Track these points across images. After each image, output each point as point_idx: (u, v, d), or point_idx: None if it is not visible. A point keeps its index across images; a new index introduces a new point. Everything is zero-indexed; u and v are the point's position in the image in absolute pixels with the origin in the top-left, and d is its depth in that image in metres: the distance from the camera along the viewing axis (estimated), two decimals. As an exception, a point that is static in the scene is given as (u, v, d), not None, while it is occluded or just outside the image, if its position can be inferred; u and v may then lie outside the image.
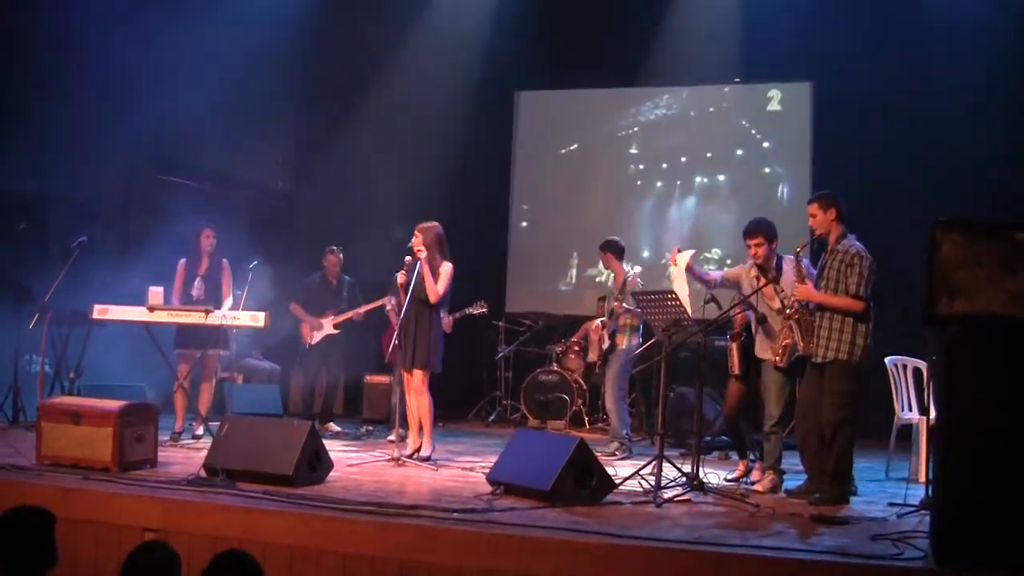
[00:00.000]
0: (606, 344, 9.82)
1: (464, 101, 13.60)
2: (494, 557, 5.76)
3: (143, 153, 12.55)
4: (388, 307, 10.83)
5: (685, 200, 13.36)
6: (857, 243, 7.32)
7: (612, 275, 10.12)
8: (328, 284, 11.23)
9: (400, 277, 8.85)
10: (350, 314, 10.98)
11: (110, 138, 11.86)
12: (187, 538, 6.23)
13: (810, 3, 12.05)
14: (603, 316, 10.21)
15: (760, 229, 7.91)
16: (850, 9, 12.07)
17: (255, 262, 10.04)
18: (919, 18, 11.72)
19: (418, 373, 8.81)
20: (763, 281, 7.80)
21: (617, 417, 9.72)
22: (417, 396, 8.85)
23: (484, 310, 11.16)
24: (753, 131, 13.07)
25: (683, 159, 13.40)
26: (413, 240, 8.83)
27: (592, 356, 10.22)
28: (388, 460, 8.57)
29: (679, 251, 8.23)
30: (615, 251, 10.01)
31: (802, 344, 7.43)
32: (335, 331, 11.00)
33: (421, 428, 8.90)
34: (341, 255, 11.25)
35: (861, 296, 7.16)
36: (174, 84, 11.80)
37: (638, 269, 10.35)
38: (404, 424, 8.95)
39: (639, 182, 13.60)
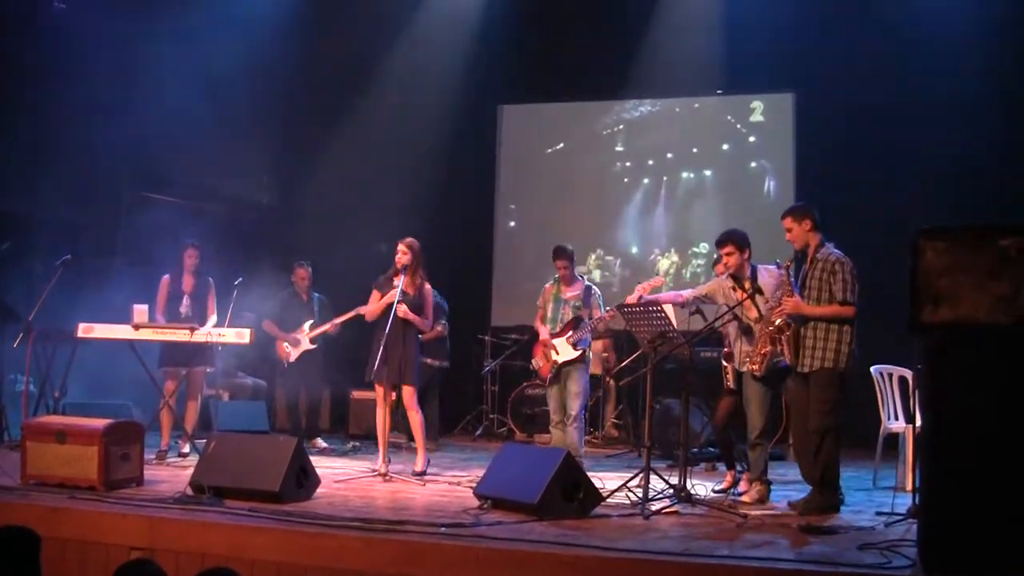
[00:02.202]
0: (560, 355, 9.34)
1: (447, 115, 13.65)
2: (482, 571, 5.74)
3: (126, 170, 12.55)
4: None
5: (672, 196, 13.42)
6: (836, 250, 7.36)
7: (560, 281, 9.58)
8: (299, 299, 11.20)
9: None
10: (325, 327, 10.94)
11: (93, 156, 11.87)
12: (174, 556, 6.20)
13: (791, 14, 12.12)
14: (549, 322, 9.53)
15: (730, 238, 7.96)
16: (831, 19, 12.14)
17: (240, 279, 10.01)
18: (901, 27, 11.82)
19: (408, 390, 8.86)
20: (741, 293, 7.82)
21: (580, 431, 9.51)
22: (410, 412, 8.91)
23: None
24: (738, 142, 13.12)
25: (669, 155, 13.51)
26: (400, 255, 8.87)
27: (544, 367, 9.64)
28: (375, 475, 8.56)
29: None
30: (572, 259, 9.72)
31: (791, 358, 7.43)
32: (312, 346, 10.98)
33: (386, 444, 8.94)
34: (310, 269, 11.22)
35: (849, 301, 7.19)
36: (156, 101, 11.79)
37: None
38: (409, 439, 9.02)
39: (626, 179, 13.67)
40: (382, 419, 8.88)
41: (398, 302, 8.72)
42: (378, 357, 8.67)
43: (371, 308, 8.95)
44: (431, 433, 10.76)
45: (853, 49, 12.01)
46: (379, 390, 8.85)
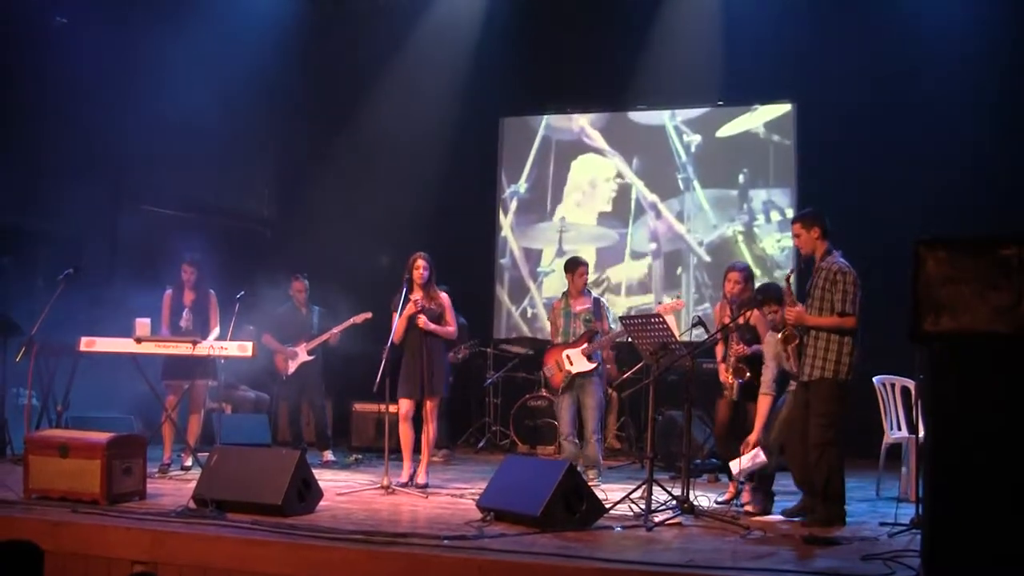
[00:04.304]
0: (575, 367, 9.44)
1: (449, 128, 13.67)
2: (485, 583, 5.74)
3: (127, 184, 12.56)
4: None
5: (672, 212, 13.43)
6: (841, 259, 7.34)
7: (568, 295, 9.68)
8: (298, 312, 11.19)
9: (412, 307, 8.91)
10: (323, 338, 10.94)
11: (94, 169, 11.87)
12: (176, 570, 6.21)
13: (791, 25, 12.15)
14: (561, 335, 9.65)
15: (768, 294, 7.98)
16: (831, 30, 12.14)
17: (242, 292, 10.02)
18: (901, 36, 11.83)
19: (432, 401, 8.90)
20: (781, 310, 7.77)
21: (599, 444, 9.61)
22: (428, 423, 8.92)
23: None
24: (740, 151, 13.13)
25: (671, 164, 13.50)
26: (422, 271, 8.88)
27: (556, 376, 9.62)
28: (378, 488, 8.56)
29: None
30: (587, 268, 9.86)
31: (795, 366, 7.45)
32: (309, 358, 10.98)
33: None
34: (306, 281, 11.23)
35: (848, 312, 7.17)
36: (157, 114, 11.83)
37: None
38: (417, 451, 9.09)
39: (628, 189, 13.69)
40: (407, 434, 8.94)
41: (418, 314, 8.78)
42: (405, 372, 8.82)
43: (395, 330, 8.88)
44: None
45: (853, 59, 12.02)
46: (403, 404, 8.90)
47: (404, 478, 8.86)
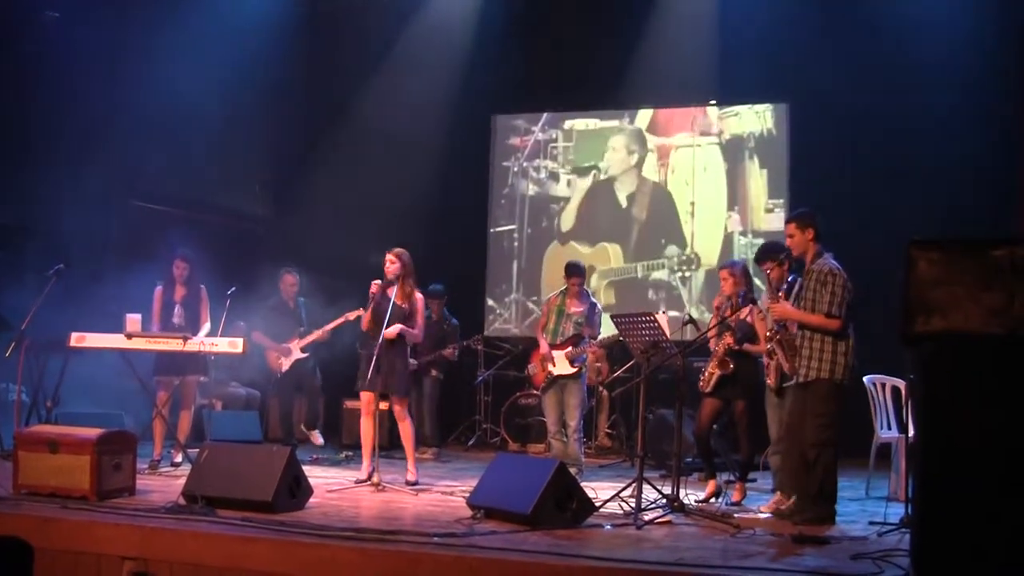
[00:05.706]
0: (557, 368, 9.52)
1: (441, 125, 13.66)
2: (475, 581, 5.74)
3: (119, 180, 12.52)
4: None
5: (666, 204, 13.47)
6: (832, 261, 7.34)
7: (567, 294, 9.71)
8: (287, 307, 11.17)
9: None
10: (316, 336, 10.93)
11: (86, 165, 11.83)
12: (167, 567, 6.20)
13: (786, 25, 12.14)
14: (550, 334, 9.70)
15: (767, 254, 8.00)
16: (826, 30, 12.14)
17: (232, 289, 10.01)
18: (896, 37, 11.83)
19: (396, 399, 8.89)
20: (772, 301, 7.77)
21: (579, 443, 9.65)
22: (400, 422, 8.92)
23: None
24: (733, 151, 13.14)
25: (663, 164, 13.51)
26: (388, 265, 8.87)
27: (538, 375, 9.73)
28: (368, 485, 8.55)
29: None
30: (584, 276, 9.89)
31: (787, 364, 7.46)
32: (303, 355, 10.97)
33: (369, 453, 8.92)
34: (297, 275, 11.21)
35: (834, 315, 7.18)
36: (149, 111, 11.79)
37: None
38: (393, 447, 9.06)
39: (619, 187, 13.71)
40: (368, 430, 8.90)
41: (386, 325, 8.71)
42: (364, 367, 8.76)
43: (364, 319, 8.94)
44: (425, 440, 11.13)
45: (847, 59, 12.02)
46: (364, 398, 8.88)
47: (363, 475, 8.81)
